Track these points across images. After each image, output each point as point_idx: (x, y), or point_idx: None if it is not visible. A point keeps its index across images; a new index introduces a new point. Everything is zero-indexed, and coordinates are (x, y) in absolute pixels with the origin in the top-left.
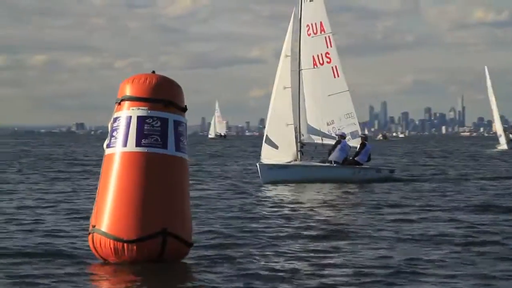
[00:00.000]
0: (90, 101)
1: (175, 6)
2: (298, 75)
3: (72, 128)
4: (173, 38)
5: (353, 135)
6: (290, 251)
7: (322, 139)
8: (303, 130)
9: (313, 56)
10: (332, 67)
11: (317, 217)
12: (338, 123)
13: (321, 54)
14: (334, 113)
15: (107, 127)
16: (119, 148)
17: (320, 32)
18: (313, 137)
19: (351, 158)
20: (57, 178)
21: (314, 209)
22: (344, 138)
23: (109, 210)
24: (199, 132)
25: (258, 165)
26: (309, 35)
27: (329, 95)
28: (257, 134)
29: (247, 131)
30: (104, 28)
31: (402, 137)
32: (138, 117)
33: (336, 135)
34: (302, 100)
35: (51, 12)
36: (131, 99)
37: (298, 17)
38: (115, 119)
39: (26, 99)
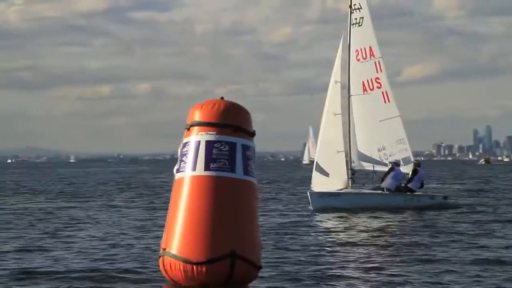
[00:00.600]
0: None
1: (276, 33)
2: (348, 101)
3: (176, 156)
4: (273, 64)
5: (405, 161)
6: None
7: (373, 166)
8: (354, 157)
9: (362, 82)
10: (382, 92)
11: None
12: (390, 149)
13: (371, 79)
14: (385, 139)
15: None
16: (189, 172)
17: (370, 57)
18: (364, 164)
19: (403, 185)
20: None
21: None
22: (398, 165)
23: (178, 233)
24: (299, 158)
25: (309, 193)
26: (358, 60)
27: (380, 121)
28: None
29: None
30: (207, 56)
31: (507, 161)
32: (207, 142)
33: (390, 162)
34: (352, 126)
35: (154, 42)
36: (200, 124)
37: (347, 42)
38: (185, 144)
39: (131, 127)
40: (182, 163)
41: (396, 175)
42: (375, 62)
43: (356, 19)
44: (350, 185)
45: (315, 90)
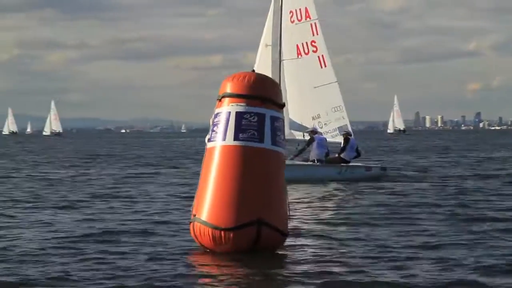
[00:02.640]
0: None
1: (389, 1)
2: (279, 66)
3: None
4: (386, 33)
5: (342, 130)
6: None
7: (304, 135)
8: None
9: (297, 45)
10: (318, 56)
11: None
12: (325, 117)
13: (306, 42)
14: (320, 106)
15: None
16: (219, 142)
17: (305, 19)
18: (295, 133)
19: (336, 155)
20: None
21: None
22: (316, 132)
23: (208, 200)
24: (412, 127)
25: None
26: (292, 22)
27: (315, 87)
28: (472, 128)
29: (462, 125)
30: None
31: None
32: (237, 113)
33: (306, 132)
34: (283, 92)
35: (262, 10)
36: (230, 96)
37: (279, 3)
38: (216, 115)
39: None
40: (213, 133)
41: (320, 142)
42: (311, 24)
43: None
44: None
45: (431, 58)
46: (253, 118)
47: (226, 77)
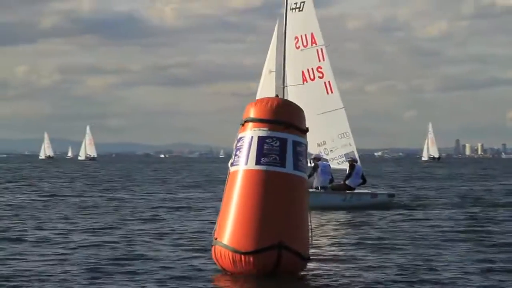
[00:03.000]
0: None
1: (431, 28)
2: (283, 92)
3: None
4: (428, 61)
5: (348, 156)
6: None
7: (309, 162)
8: None
9: (302, 71)
10: (324, 82)
11: None
12: (331, 144)
13: (312, 68)
14: (326, 133)
15: (371, 149)
16: (241, 166)
17: (311, 45)
18: None
19: (341, 182)
20: None
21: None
22: (319, 159)
23: (229, 224)
24: (453, 155)
25: None
26: (297, 48)
27: (318, 114)
28: None
29: (503, 153)
30: (358, 52)
31: None
32: (259, 137)
33: (310, 159)
34: None
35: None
36: (253, 120)
37: (283, 29)
38: (239, 139)
39: None
40: (236, 157)
41: (324, 169)
42: (317, 50)
43: (296, 3)
44: None
45: (472, 86)
46: (275, 143)
47: (250, 102)
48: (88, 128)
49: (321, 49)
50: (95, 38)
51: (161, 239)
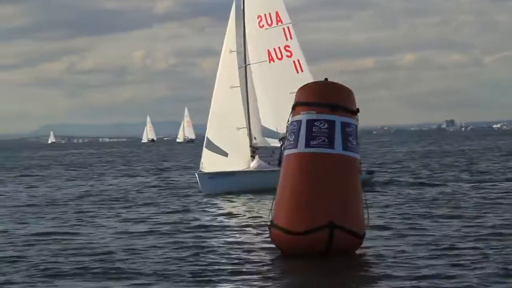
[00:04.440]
0: (459, 98)
1: None
2: (244, 72)
3: (442, 125)
4: None
5: None
6: None
7: (280, 141)
8: (256, 133)
9: (268, 50)
10: (294, 61)
11: None
12: None
13: (279, 47)
14: None
15: (477, 122)
16: (292, 150)
17: (277, 23)
18: (269, 140)
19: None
20: None
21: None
22: None
23: (282, 206)
24: None
25: (197, 175)
26: (261, 27)
27: (291, 93)
28: None
29: None
30: (472, 24)
31: None
32: (308, 121)
33: (279, 139)
34: (253, 99)
35: (419, 12)
36: (302, 104)
37: (241, 8)
38: (291, 123)
39: (395, 99)
40: (288, 141)
41: None
42: (283, 29)
43: None
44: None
45: None
46: (323, 125)
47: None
48: (186, 110)
49: (288, 27)
50: (207, 20)
51: None
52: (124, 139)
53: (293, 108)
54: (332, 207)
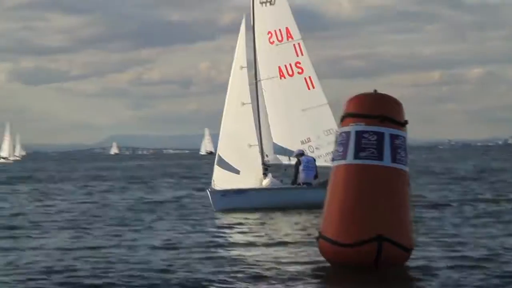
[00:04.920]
0: None
1: None
2: (256, 88)
3: (509, 141)
4: None
5: None
6: None
7: (290, 159)
8: (267, 150)
9: (279, 67)
10: (305, 77)
11: None
12: (317, 141)
13: (290, 64)
14: (310, 129)
15: None
16: (341, 161)
17: (287, 39)
18: (281, 157)
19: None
20: None
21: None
22: (303, 154)
23: (330, 217)
24: None
25: (209, 192)
26: (272, 43)
27: (302, 110)
28: None
29: None
30: None
31: None
32: (357, 132)
33: (294, 156)
34: (264, 115)
35: (487, 25)
36: (351, 115)
37: (250, 24)
38: (339, 134)
39: (462, 112)
40: (336, 152)
41: (307, 164)
42: (294, 45)
43: None
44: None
45: None
46: (372, 137)
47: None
48: None
49: (298, 44)
50: None
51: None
52: (187, 151)
53: (342, 119)
54: (381, 219)
